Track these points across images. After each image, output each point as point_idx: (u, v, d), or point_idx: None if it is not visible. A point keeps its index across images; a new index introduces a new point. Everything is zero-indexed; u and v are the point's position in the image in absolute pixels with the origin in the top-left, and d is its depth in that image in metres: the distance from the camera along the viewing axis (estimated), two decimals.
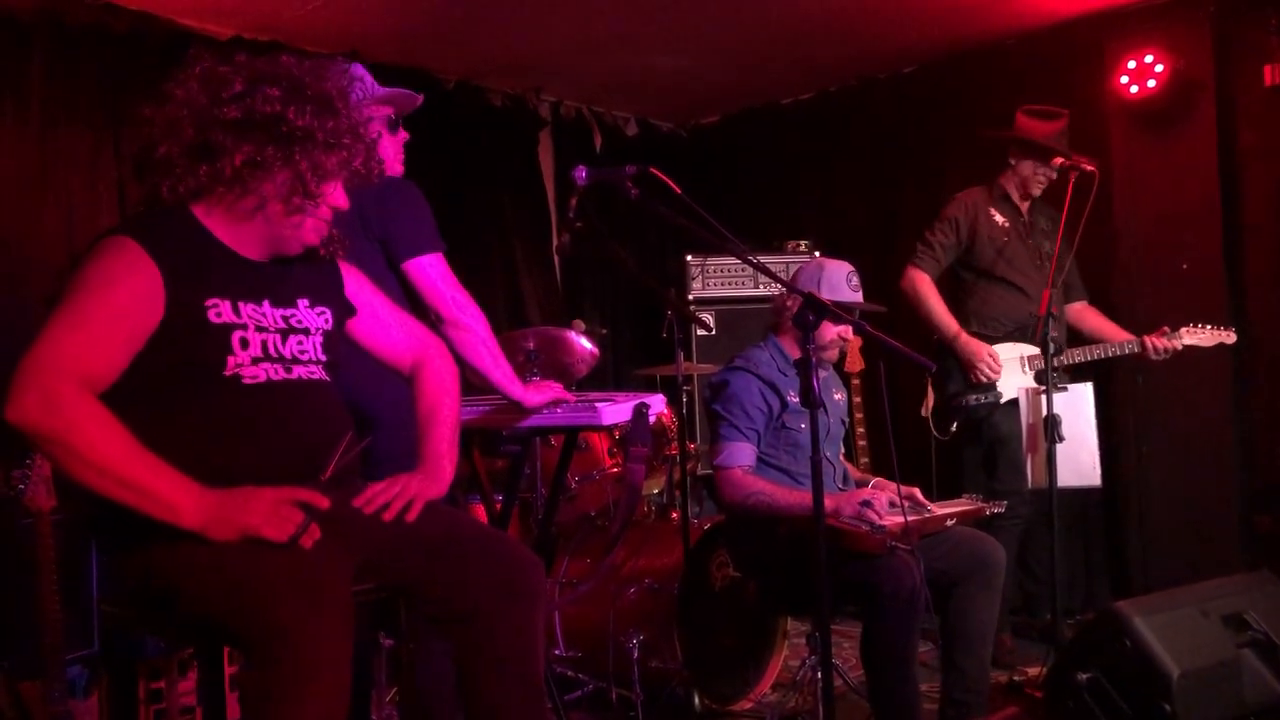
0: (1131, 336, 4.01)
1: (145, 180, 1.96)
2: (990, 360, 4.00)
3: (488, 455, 3.72)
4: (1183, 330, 3.88)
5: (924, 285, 4.12)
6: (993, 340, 4.06)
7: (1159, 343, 3.90)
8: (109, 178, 4.06)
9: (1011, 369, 4.03)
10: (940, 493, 3.29)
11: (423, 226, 2.58)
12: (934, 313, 4.09)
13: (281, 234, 1.99)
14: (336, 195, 2.01)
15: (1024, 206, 4.17)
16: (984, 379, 4.01)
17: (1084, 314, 4.26)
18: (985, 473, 4.09)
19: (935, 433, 4.12)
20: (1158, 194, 4.61)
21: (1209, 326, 3.90)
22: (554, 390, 2.70)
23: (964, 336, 4.06)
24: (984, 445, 4.11)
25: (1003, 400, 4.02)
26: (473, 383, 2.62)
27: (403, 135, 2.76)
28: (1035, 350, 3.99)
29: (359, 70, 2.63)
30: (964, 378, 4.05)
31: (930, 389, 4.17)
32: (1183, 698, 2.59)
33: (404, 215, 2.55)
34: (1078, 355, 3.97)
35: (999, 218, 4.14)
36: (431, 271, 2.55)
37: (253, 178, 1.92)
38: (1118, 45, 4.60)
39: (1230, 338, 3.92)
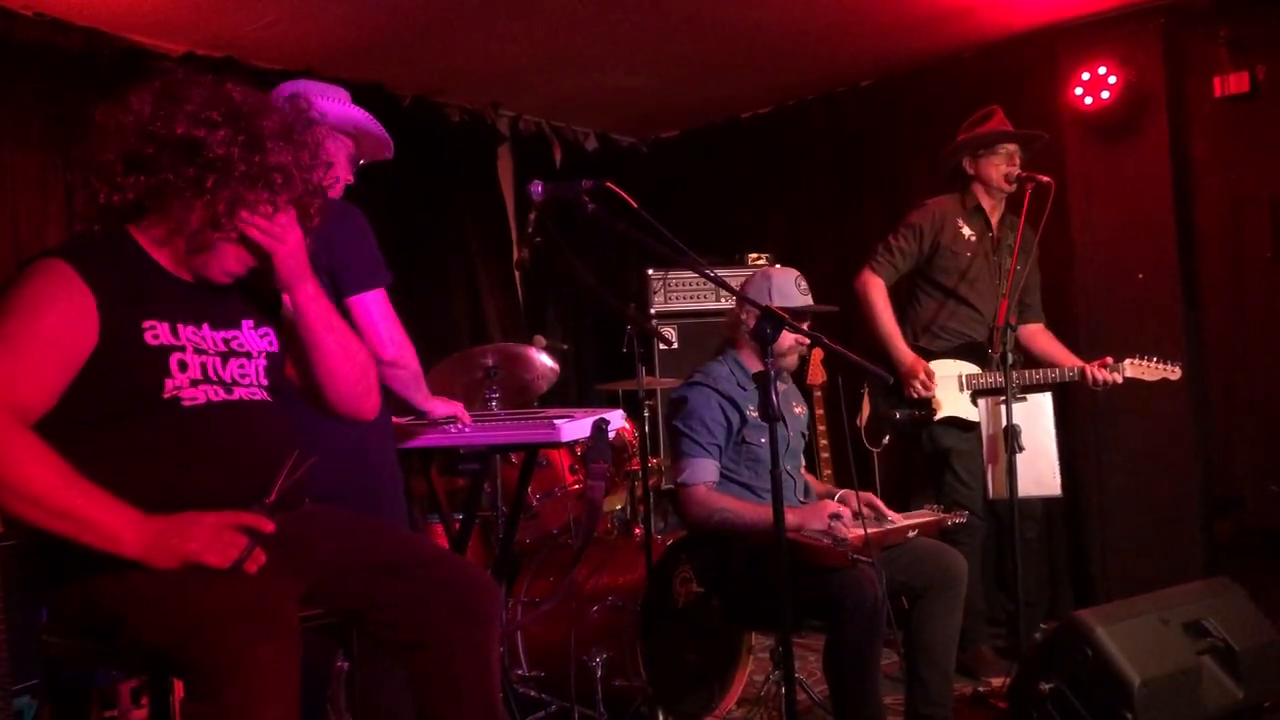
0: (1079, 362, 3.93)
1: (86, 185, 1.89)
2: (925, 377, 3.95)
3: (447, 474, 3.68)
4: (1126, 362, 3.79)
5: (875, 291, 4.07)
6: (933, 355, 4.02)
7: (1100, 374, 3.81)
8: (58, 200, 3.97)
9: (947, 386, 3.97)
10: (892, 504, 3.28)
11: (370, 259, 2.54)
12: (880, 320, 4.05)
13: (194, 263, 1.92)
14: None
15: (995, 219, 4.11)
16: (916, 394, 3.97)
17: (1036, 336, 4.14)
18: (932, 489, 4.04)
19: (867, 444, 4.07)
20: (1113, 204, 4.66)
21: (1154, 360, 3.80)
22: (455, 406, 2.76)
23: (902, 349, 4.01)
24: (927, 460, 4.08)
25: (936, 418, 3.96)
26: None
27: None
28: (974, 369, 3.98)
29: (323, 98, 2.59)
30: (897, 391, 4.00)
31: (866, 400, 4.12)
32: (1144, 705, 2.62)
33: (351, 247, 2.50)
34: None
35: (967, 230, 4.08)
36: (375, 310, 2.52)
37: (171, 197, 1.85)
38: (1071, 57, 4.65)
39: (1175, 373, 3.81)
